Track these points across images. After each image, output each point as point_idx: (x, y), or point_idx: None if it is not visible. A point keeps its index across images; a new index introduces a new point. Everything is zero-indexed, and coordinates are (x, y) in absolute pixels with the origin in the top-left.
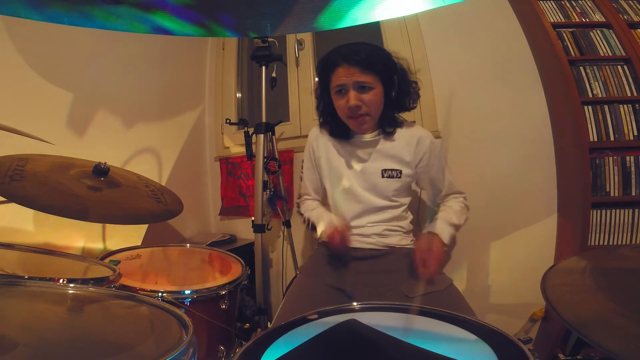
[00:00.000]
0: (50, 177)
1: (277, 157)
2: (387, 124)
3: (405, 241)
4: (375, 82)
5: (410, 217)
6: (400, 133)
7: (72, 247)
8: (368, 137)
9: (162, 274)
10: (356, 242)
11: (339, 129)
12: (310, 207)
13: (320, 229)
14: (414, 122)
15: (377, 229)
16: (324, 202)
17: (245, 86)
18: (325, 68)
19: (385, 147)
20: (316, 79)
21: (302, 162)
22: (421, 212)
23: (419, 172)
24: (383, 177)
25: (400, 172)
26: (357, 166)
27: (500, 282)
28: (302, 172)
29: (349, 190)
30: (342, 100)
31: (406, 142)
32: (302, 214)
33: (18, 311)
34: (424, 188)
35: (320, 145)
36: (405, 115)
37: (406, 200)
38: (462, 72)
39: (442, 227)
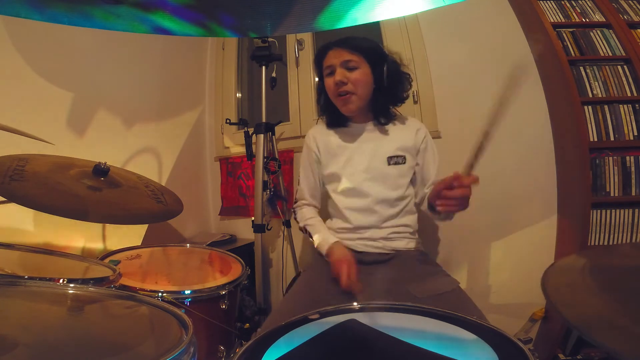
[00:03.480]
0: (50, 177)
1: (277, 157)
2: (382, 114)
3: (412, 244)
4: (362, 63)
5: (416, 214)
6: (399, 123)
7: (72, 247)
8: (368, 125)
9: (162, 274)
10: (362, 246)
11: (336, 117)
12: (307, 216)
13: (317, 242)
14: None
15: (384, 231)
16: (321, 206)
17: (245, 86)
18: (319, 55)
19: (387, 134)
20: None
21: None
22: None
23: (417, 158)
24: (389, 164)
25: (404, 158)
26: (361, 155)
27: (501, 282)
28: (299, 177)
29: (354, 185)
30: (330, 79)
31: (406, 130)
32: (298, 222)
33: (18, 311)
34: (413, 179)
35: (321, 139)
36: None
37: (411, 191)
38: (462, 72)
39: None
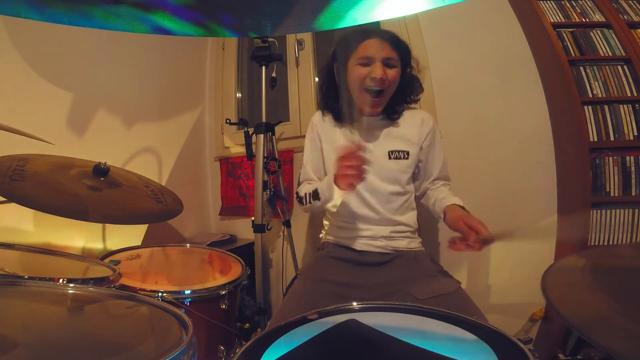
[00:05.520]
0: (50, 177)
1: (277, 157)
2: (392, 111)
3: (414, 244)
4: (397, 62)
5: (416, 212)
6: (404, 115)
7: (72, 247)
8: (373, 119)
9: (162, 274)
10: (363, 245)
11: (344, 111)
12: (308, 185)
13: (320, 187)
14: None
15: (385, 230)
16: None
17: (245, 86)
18: (352, 38)
19: (391, 129)
20: (332, 52)
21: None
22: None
23: (421, 153)
24: (390, 158)
25: (407, 153)
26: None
27: (501, 282)
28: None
29: None
30: (364, 70)
31: (411, 123)
32: (301, 198)
33: (18, 311)
34: (416, 174)
35: (324, 129)
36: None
37: (411, 187)
38: (462, 72)
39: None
